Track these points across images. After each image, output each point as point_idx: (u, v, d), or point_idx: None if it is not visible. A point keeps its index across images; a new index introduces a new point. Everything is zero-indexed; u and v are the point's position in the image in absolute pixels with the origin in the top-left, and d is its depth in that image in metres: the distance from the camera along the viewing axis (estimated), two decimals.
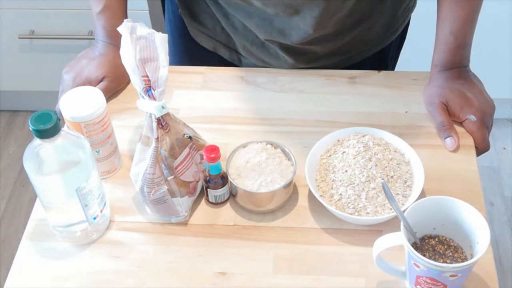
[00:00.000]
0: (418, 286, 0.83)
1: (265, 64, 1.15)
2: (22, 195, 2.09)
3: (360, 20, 1.09)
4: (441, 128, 1.04)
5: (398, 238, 0.82)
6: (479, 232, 0.83)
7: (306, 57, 1.13)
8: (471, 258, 0.82)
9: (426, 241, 0.87)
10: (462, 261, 0.84)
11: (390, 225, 0.92)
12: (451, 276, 0.79)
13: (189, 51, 1.22)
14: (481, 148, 1.04)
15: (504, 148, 2.19)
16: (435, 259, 0.84)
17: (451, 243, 0.86)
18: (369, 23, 1.11)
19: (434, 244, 0.86)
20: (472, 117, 1.03)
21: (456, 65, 1.07)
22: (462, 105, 1.04)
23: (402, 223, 0.82)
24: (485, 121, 1.04)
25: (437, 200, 0.85)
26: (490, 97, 1.07)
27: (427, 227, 0.87)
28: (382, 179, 0.92)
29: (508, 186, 2.06)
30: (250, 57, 1.15)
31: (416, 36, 1.77)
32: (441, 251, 0.86)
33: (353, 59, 1.17)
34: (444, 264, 0.79)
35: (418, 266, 0.80)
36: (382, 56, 1.21)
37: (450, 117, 1.05)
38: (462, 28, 1.05)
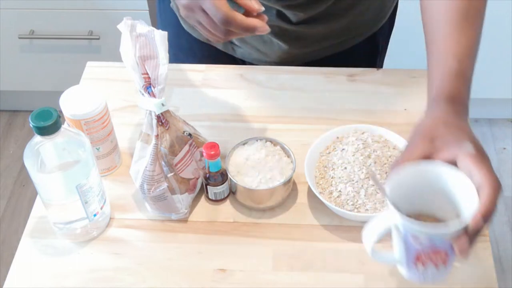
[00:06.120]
0: (419, 265, 0.76)
1: (259, 52, 1.15)
2: (22, 195, 2.10)
3: (353, 3, 1.10)
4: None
5: (388, 218, 0.74)
6: (465, 199, 0.74)
7: (300, 42, 1.13)
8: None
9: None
10: None
11: None
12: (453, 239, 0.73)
13: (182, 44, 1.22)
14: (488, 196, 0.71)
15: (504, 148, 2.19)
16: None
17: (436, 216, 0.80)
18: (361, 8, 1.12)
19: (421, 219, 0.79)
20: (470, 147, 0.75)
21: (462, 102, 0.81)
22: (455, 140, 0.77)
23: (388, 201, 0.75)
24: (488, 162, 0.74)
25: (417, 171, 0.76)
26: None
27: (408, 203, 0.79)
28: (370, 170, 0.91)
29: (508, 186, 2.06)
30: (244, 45, 1.16)
31: (413, 35, 1.77)
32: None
33: (346, 44, 1.18)
34: (451, 222, 0.72)
35: (418, 238, 0.74)
36: (373, 43, 1.22)
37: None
38: (466, 54, 0.84)
